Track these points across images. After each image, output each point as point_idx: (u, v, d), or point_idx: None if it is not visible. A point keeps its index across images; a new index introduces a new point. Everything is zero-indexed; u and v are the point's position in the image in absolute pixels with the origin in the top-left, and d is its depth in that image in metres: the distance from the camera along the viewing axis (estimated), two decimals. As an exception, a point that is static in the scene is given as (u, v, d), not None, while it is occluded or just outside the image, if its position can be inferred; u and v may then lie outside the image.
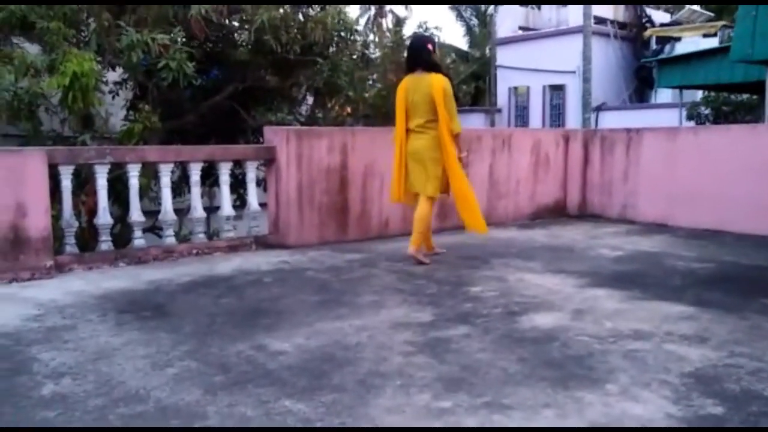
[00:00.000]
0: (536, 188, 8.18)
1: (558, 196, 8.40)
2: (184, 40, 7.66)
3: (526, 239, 6.69)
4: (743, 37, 9.36)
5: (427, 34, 5.37)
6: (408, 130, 5.45)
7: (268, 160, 6.25)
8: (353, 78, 10.05)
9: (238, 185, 8.31)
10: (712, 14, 21.01)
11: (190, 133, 9.20)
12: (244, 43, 9.37)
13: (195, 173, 5.93)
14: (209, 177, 7.65)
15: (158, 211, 5.98)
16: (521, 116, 22.18)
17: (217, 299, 4.29)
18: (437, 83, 5.29)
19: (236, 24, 9.53)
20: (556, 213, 8.28)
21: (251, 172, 6.38)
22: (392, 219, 6.86)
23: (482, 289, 4.50)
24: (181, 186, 8.17)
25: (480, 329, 3.59)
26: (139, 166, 5.70)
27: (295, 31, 8.96)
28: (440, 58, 5.56)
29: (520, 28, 23.29)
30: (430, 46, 5.49)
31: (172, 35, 7.52)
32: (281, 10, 9.01)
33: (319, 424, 2.44)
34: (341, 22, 9.60)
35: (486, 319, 3.78)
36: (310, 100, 11.64)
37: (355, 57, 10.51)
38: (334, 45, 9.80)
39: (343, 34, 9.87)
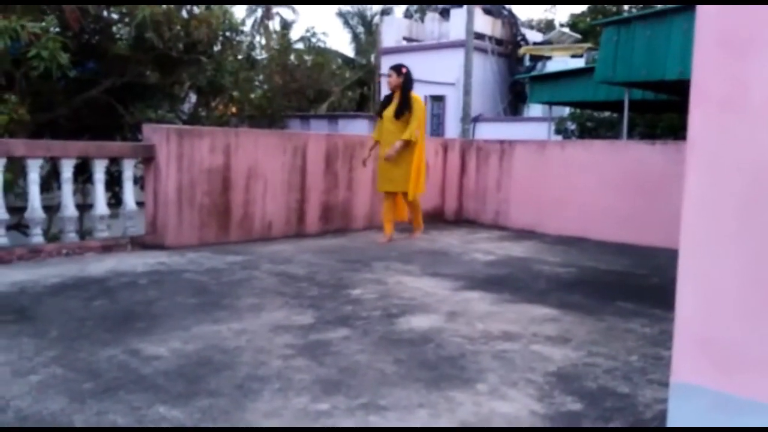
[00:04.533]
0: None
1: (436, 202, 8.67)
2: (57, 29, 7.25)
3: (405, 243, 6.87)
4: (606, 61, 10.11)
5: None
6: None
7: (147, 159, 6.04)
8: (238, 78, 9.91)
9: (113, 183, 7.94)
10: (579, 36, 22.43)
11: (63, 127, 8.72)
12: (123, 37, 9.01)
13: (67, 170, 5.63)
14: (83, 173, 7.26)
15: (24, 208, 5.62)
16: (404, 124, 22.65)
17: (87, 302, 4.09)
18: None
19: (116, 17, 9.14)
20: (435, 218, 8.55)
21: (128, 171, 6.13)
22: (275, 222, 6.82)
23: (362, 292, 4.59)
24: (50, 181, 7.70)
25: (359, 331, 3.66)
26: (4, 160, 5.33)
27: (179, 28, 8.72)
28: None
29: (404, 39, 23.80)
30: None
31: (44, 23, 7.10)
32: (164, 6, 8.73)
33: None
34: (227, 21, 9.45)
35: (365, 322, 3.86)
36: (193, 98, 11.34)
37: (240, 57, 10.37)
38: (218, 44, 9.63)
39: (228, 34, 9.72)
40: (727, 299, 1.61)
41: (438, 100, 21.40)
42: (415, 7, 27.02)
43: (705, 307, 1.64)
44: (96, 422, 2.43)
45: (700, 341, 1.65)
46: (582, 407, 2.73)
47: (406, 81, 6.81)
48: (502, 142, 8.57)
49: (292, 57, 19.84)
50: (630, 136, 13.68)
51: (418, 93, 7.23)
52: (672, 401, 1.70)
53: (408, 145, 6.67)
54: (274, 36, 19.21)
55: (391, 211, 6.97)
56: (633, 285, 5.26)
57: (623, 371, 3.18)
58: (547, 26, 26.79)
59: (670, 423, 1.72)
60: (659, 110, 15.07)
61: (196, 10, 9.41)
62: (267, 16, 20.14)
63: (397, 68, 6.89)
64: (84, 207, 7.12)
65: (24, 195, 6.44)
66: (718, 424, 1.64)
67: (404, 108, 6.72)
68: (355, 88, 25.32)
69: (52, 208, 6.16)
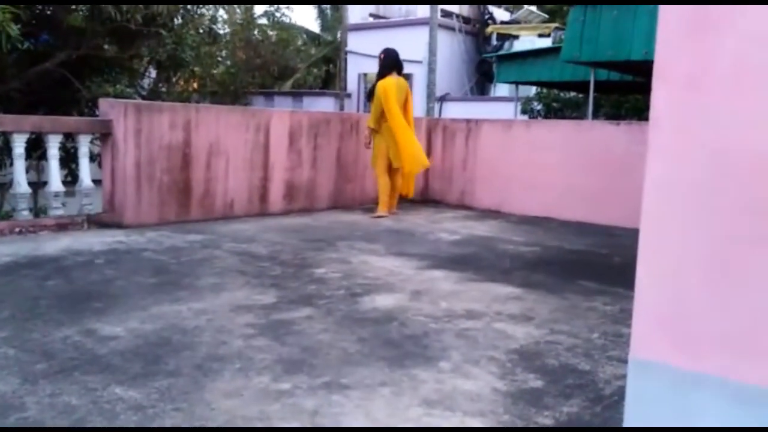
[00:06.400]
0: (382, 173, 8.34)
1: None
2: (8, -1, 6.97)
3: (370, 222, 6.84)
4: (572, 40, 10.13)
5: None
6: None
7: (104, 135, 5.87)
8: (200, 53, 9.67)
9: (69, 160, 7.72)
10: (547, 16, 22.48)
11: (15, 101, 8.41)
12: (79, 8, 8.68)
13: (19, 145, 5.45)
14: (37, 149, 7.04)
15: (-26, 185, 5.45)
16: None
17: (41, 281, 3.98)
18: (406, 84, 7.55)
19: (71, -14, 8.82)
20: (401, 198, 8.49)
21: (84, 147, 5.97)
22: (237, 200, 6.72)
23: (326, 271, 4.55)
24: (2, 157, 7.45)
25: (322, 311, 3.63)
26: (-48, 134, 5.14)
27: (137, -1, 8.45)
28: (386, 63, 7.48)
29: (371, 15, 23.54)
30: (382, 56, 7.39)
31: (-7, -8, 6.82)
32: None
33: (151, 411, 2.35)
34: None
35: (329, 301, 3.83)
36: (152, 73, 11.08)
37: (201, 31, 10.10)
38: (179, 17, 9.35)
39: (189, 6, 9.45)
40: (687, 277, 1.62)
41: (405, 78, 21.27)
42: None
43: (664, 285, 1.64)
44: (50, 404, 2.37)
45: (658, 318, 1.65)
46: (543, 384, 2.75)
47: (380, 66, 7.37)
48: (468, 121, 8.56)
49: (255, 32, 19.49)
50: (595, 116, 13.79)
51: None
52: (631, 378, 1.71)
53: (372, 131, 7.32)
54: (238, 10, 18.85)
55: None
56: (595, 264, 5.32)
57: (584, 348, 3.21)
58: (515, 4, 26.77)
59: (629, 399, 1.74)
60: (624, 91, 15.22)
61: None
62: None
63: (379, 53, 7.48)
64: (39, 184, 6.91)
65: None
66: (676, 399, 1.66)
67: (370, 93, 7.52)
68: (321, 65, 24.98)
69: (4, 186, 5.96)
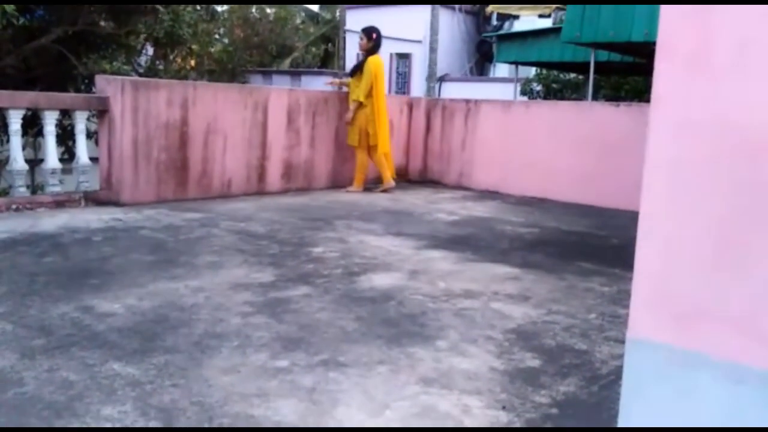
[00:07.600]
0: (380, 153, 8.31)
1: (401, 161, 8.61)
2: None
3: (368, 203, 6.82)
4: (573, 21, 10.07)
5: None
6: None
7: (101, 112, 5.83)
8: (197, 30, 9.58)
9: (66, 137, 7.68)
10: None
11: (11, 77, 8.34)
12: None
13: (15, 122, 5.41)
14: (33, 126, 6.99)
15: (-30, 162, 5.42)
16: (369, 82, 22.32)
17: (39, 258, 3.97)
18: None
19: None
20: (399, 178, 8.48)
21: (81, 124, 5.92)
22: (235, 179, 6.70)
23: (324, 250, 4.55)
24: (-1, 135, 7.42)
25: (320, 289, 3.63)
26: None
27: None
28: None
29: (370, -7, 23.33)
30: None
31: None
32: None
33: (149, 387, 2.35)
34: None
35: (326, 280, 3.83)
36: (149, 50, 11.01)
37: (199, 8, 9.99)
38: (176, -7, 9.26)
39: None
40: (686, 256, 1.61)
41: (404, 57, 21.15)
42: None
43: (663, 264, 1.64)
44: (47, 379, 2.37)
45: (656, 297, 1.65)
46: (540, 363, 2.76)
47: (373, 42, 7.49)
48: (467, 101, 8.51)
49: (253, 10, 19.34)
50: (595, 98, 13.74)
51: (385, 50, 7.37)
52: (628, 357, 1.71)
53: (360, 105, 7.29)
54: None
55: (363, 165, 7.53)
56: (593, 245, 5.32)
57: (581, 329, 3.22)
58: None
59: (626, 378, 1.74)
60: (624, 73, 15.16)
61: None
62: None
63: (367, 32, 7.52)
64: (35, 161, 6.88)
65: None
66: (673, 379, 1.66)
67: (356, 67, 7.49)
68: (319, 43, 24.83)
69: (0, 163, 5.93)
